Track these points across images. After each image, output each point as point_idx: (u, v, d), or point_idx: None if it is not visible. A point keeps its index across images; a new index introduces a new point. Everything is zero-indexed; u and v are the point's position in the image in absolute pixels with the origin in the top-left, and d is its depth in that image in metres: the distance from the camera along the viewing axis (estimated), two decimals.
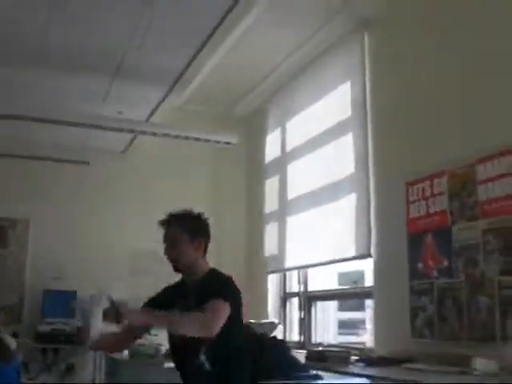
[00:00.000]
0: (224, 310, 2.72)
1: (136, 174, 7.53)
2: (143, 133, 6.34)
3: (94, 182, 7.42)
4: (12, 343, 3.77)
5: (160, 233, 7.34)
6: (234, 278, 2.96)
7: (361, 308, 6.44)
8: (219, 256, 7.42)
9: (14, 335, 5.58)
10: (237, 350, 2.70)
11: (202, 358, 2.73)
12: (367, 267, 5.61)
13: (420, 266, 4.61)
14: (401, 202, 4.88)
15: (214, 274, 3.01)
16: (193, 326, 2.66)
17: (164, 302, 3.01)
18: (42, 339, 6.57)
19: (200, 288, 2.91)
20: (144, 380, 5.25)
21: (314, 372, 4.53)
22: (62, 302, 6.85)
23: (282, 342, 4.67)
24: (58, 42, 4.96)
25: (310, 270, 6.76)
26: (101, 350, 3.01)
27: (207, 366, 2.73)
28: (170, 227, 3.03)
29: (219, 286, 2.85)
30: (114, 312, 2.69)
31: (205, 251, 3.04)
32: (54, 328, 6.63)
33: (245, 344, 2.90)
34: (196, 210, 3.36)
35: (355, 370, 4.35)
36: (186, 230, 2.99)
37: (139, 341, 5.83)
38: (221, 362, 2.70)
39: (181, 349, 2.89)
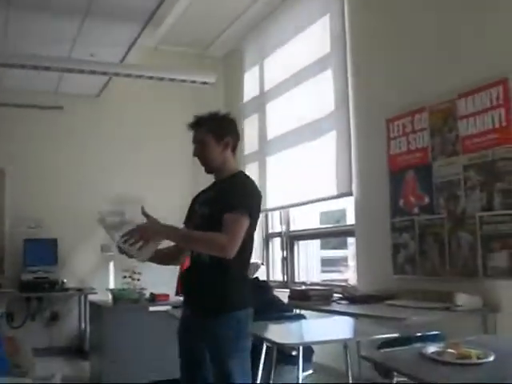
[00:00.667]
0: (243, 227, 2.70)
1: (112, 118, 7.38)
2: (117, 75, 6.14)
3: (69, 127, 7.26)
4: None
5: (141, 177, 7.34)
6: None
7: (343, 246, 6.47)
8: None
9: None
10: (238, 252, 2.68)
11: None
12: (349, 205, 5.60)
13: (401, 202, 4.60)
14: (381, 139, 4.82)
15: (239, 176, 2.96)
16: (209, 247, 2.67)
17: (193, 200, 3.06)
18: (26, 288, 6.55)
19: (222, 185, 2.90)
20: (129, 324, 5.26)
21: (297, 311, 4.55)
22: (43, 250, 6.82)
23: (265, 282, 4.67)
24: None
25: (291, 210, 6.74)
26: (155, 262, 2.95)
27: (206, 256, 2.72)
28: (197, 129, 2.99)
29: (241, 193, 2.81)
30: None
31: (233, 150, 3.01)
32: (36, 276, 6.60)
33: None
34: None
35: (338, 307, 4.37)
36: (211, 130, 2.95)
37: (123, 285, 5.86)
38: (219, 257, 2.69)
39: None
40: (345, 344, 3.73)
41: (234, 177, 2.92)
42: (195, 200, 3.00)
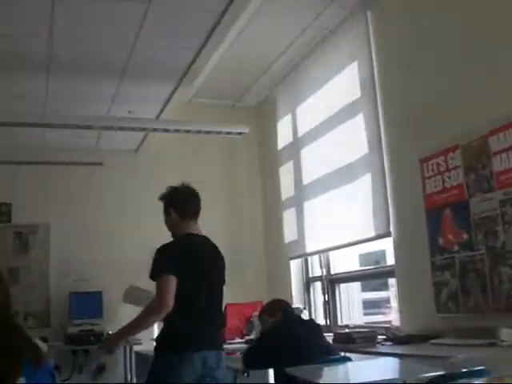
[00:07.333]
0: (167, 283, 3.28)
1: (150, 171, 7.56)
2: (155, 130, 6.36)
3: (109, 182, 7.47)
4: (43, 347, 3.80)
5: None
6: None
7: (384, 287, 6.44)
8: (239, 246, 7.53)
9: (43, 339, 5.67)
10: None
11: None
12: (388, 246, 5.61)
13: (440, 241, 4.61)
14: (416, 179, 4.87)
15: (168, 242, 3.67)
16: (149, 320, 3.47)
17: None
18: (72, 341, 6.66)
19: None
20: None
21: (343, 354, 4.55)
22: (88, 303, 6.94)
23: (317, 325, 4.74)
24: (62, 47, 4.98)
25: (331, 253, 6.76)
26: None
27: None
28: None
29: (154, 259, 3.51)
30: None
31: (182, 217, 3.78)
32: (82, 329, 6.71)
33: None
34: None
35: (383, 349, 4.37)
36: (164, 204, 3.81)
37: None
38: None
39: None
40: None
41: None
42: None
